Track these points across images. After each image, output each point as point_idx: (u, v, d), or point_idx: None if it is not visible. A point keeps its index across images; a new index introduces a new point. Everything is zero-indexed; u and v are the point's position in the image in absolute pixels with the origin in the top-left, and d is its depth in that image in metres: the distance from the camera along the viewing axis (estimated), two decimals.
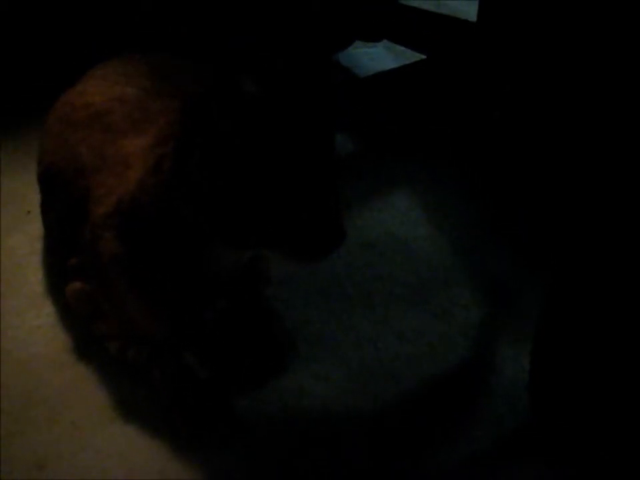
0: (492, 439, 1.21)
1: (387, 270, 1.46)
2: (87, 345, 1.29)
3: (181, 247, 1.07)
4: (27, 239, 1.51)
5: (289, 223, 0.99)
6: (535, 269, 1.46)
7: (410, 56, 1.98)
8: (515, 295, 1.45)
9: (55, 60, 1.83)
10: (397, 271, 1.46)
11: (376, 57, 2.07)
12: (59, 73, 1.65)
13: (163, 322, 1.16)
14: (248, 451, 1.17)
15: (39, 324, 1.34)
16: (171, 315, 1.15)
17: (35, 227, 1.50)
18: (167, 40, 1.81)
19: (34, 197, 1.45)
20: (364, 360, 1.30)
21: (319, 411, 1.23)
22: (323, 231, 1.00)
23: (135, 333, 1.19)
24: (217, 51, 1.90)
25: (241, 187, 0.97)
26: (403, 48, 2.02)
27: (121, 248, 1.11)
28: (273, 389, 1.24)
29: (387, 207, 1.61)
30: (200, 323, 1.18)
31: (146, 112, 1.24)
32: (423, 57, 1.89)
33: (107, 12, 1.79)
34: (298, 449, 1.18)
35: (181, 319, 1.16)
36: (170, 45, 1.78)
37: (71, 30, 1.80)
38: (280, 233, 1.00)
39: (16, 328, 1.33)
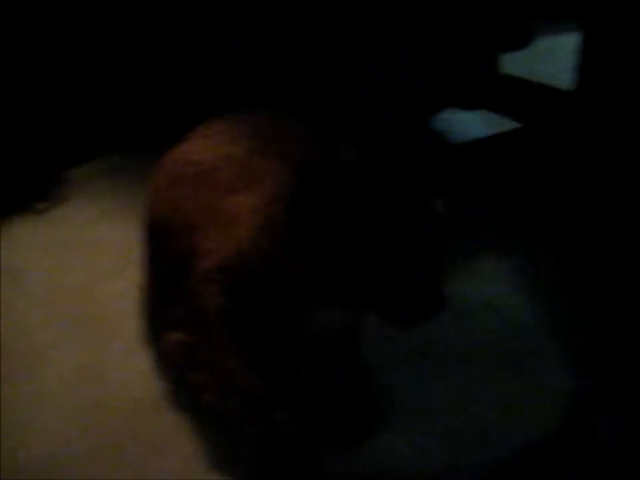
0: None
1: (479, 336, 1.45)
2: (180, 393, 1.32)
3: (284, 305, 1.09)
4: (128, 286, 1.55)
5: (390, 287, 1.00)
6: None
7: (505, 123, 1.98)
8: (608, 366, 1.41)
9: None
10: (489, 338, 1.45)
11: (470, 123, 2.08)
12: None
13: (260, 378, 1.17)
14: None
15: (137, 370, 1.39)
16: (268, 372, 1.16)
17: (135, 275, 1.56)
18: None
19: (135, 246, 1.51)
20: (454, 426, 1.29)
21: (405, 474, 1.22)
22: (424, 297, 1.01)
23: (230, 386, 1.21)
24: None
25: (346, 250, 0.99)
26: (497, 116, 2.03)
27: (225, 303, 1.13)
28: (362, 452, 1.24)
29: (479, 275, 1.60)
30: (295, 381, 1.19)
31: (252, 171, 1.28)
32: (519, 125, 1.89)
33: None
34: None
35: (278, 376, 1.17)
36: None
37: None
38: (381, 296, 1.01)
39: (116, 373, 1.39)
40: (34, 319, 1.49)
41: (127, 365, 1.40)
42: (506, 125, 1.96)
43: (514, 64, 1.96)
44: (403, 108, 1.68)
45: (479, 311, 1.51)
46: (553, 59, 2.27)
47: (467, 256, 1.66)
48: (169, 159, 1.43)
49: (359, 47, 1.74)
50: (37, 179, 1.82)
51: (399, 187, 1.11)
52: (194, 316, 1.22)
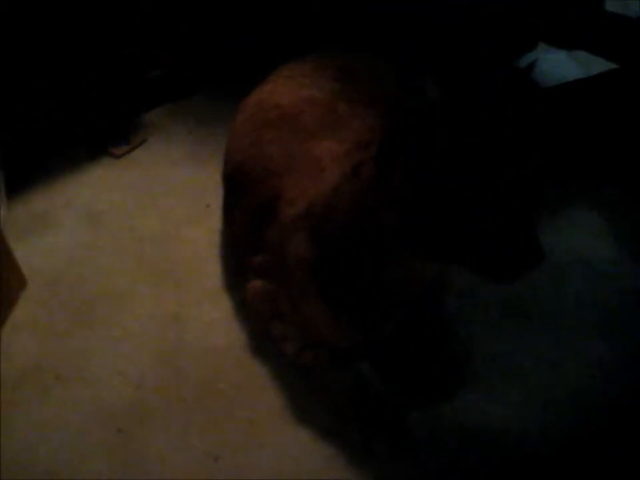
0: None
1: (572, 292, 1.39)
2: (263, 342, 1.31)
3: (371, 255, 1.05)
4: (206, 232, 1.56)
5: (485, 240, 0.95)
6: None
7: (596, 64, 1.86)
8: None
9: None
10: (582, 293, 1.39)
11: (558, 63, 1.97)
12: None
13: (345, 329, 1.15)
14: (416, 465, 1.15)
15: (217, 317, 1.38)
16: (354, 323, 1.13)
17: (213, 221, 1.55)
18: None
19: (213, 191, 1.49)
20: (544, 384, 1.25)
21: (492, 432, 1.19)
22: (520, 251, 0.95)
23: (314, 337, 1.19)
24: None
25: (438, 199, 0.94)
26: (586, 55, 1.91)
27: (311, 251, 1.10)
28: (448, 406, 1.21)
29: (571, 226, 1.53)
30: (381, 333, 1.16)
31: (336, 115, 1.23)
32: (612, 66, 1.77)
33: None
34: (467, 468, 1.15)
35: (364, 328, 1.14)
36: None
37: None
38: (476, 249, 0.95)
39: (195, 319, 1.38)
40: (114, 263, 1.49)
41: (206, 311, 1.39)
42: (596, 65, 1.86)
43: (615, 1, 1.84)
44: (490, 44, 1.59)
45: (571, 264, 1.44)
46: None
47: (559, 206, 1.58)
48: (251, 102, 1.40)
49: None
50: (115, 122, 1.82)
51: (490, 130, 1.05)
52: (278, 264, 1.19)
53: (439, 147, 0.95)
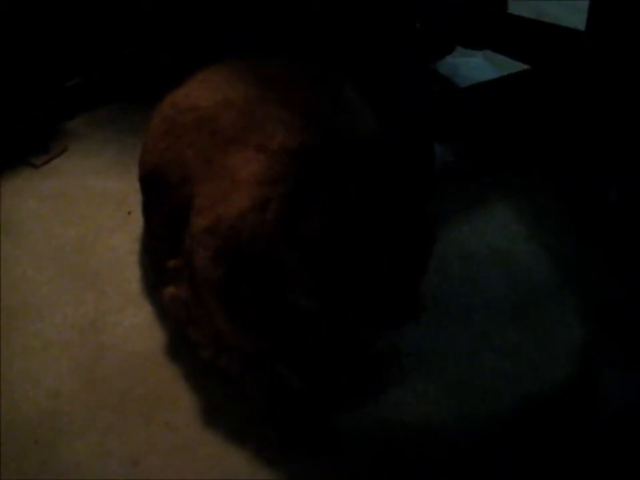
0: (591, 463, 1.15)
1: (487, 283, 1.42)
2: (181, 346, 1.31)
3: (274, 282, 1.04)
4: (128, 239, 1.54)
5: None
6: None
7: (510, 66, 1.92)
8: (621, 314, 1.37)
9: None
10: (496, 285, 1.42)
11: (475, 66, 2.02)
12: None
13: (250, 341, 1.14)
14: (339, 462, 1.15)
15: (136, 322, 1.37)
16: (258, 336, 1.13)
17: (135, 227, 1.53)
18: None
19: (135, 198, 1.48)
20: (462, 376, 1.27)
21: (415, 425, 1.20)
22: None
23: (225, 344, 1.19)
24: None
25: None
26: (502, 57, 1.96)
27: (214, 269, 1.09)
28: (371, 406, 1.22)
29: (485, 219, 1.56)
30: (293, 340, 1.16)
31: (252, 118, 1.23)
32: (525, 67, 1.83)
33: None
34: (391, 462, 1.16)
35: (272, 335, 1.13)
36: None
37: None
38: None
39: (115, 325, 1.37)
40: (33, 273, 1.47)
41: (127, 317, 1.38)
42: (510, 67, 1.91)
43: (522, 4, 1.89)
44: (407, 49, 1.62)
45: (488, 257, 1.47)
46: None
47: (473, 199, 1.62)
48: (166, 105, 1.38)
49: None
50: (34, 131, 1.79)
51: (401, 129, 1.08)
52: (189, 272, 1.18)
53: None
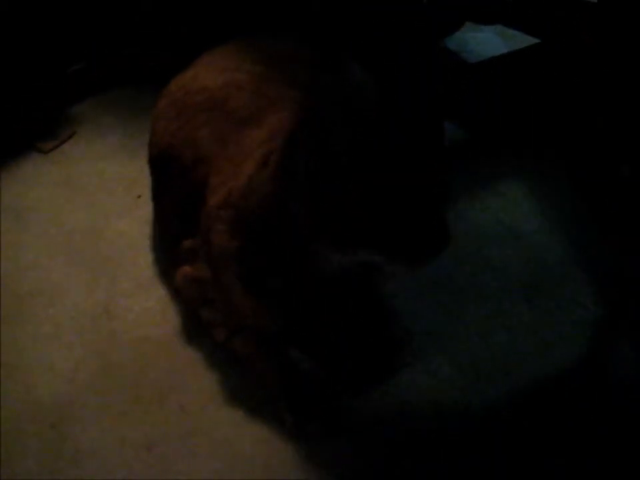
0: (604, 440, 1.15)
1: (499, 261, 1.41)
2: (195, 329, 1.30)
3: (289, 244, 1.04)
4: (137, 223, 1.54)
5: (394, 226, 0.96)
6: None
7: (521, 40, 1.89)
8: (633, 293, 1.36)
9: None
10: (508, 263, 1.40)
11: (485, 41, 1.99)
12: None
13: (268, 315, 1.15)
14: (352, 444, 1.15)
15: (149, 306, 1.37)
16: (276, 310, 1.13)
17: (145, 211, 1.53)
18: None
19: (144, 182, 1.47)
20: (474, 355, 1.26)
21: (427, 406, 1.20)
22: (427, 235, 0.97)
23: (242, 322, 1.19)
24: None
25: (348, 187, 0.95)
26: (513, 31, 1.93)
27: (231, 241, 1.09)
28: (384, 387, 1.22)
29: (497, 196, 1.54)
30: (309, 318, 1.16)
31: (265, 99, 1.22)
32: (536, 41, 1.80)
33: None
34: (403, 443, 1.16)
35: (287, 314, 1.14)
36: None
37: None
38: (385, 235, 0.96)
39: (127, 310, 1.36)
40: (44, 259, 1.47)
41: (139, 302, 1.38)
42: (521, 42, 1.88)
43: None
44: (414, 25, 1.60)
45: (499, 234, 1.46)
46: None
47: (483, 176, 1.60)
48: (174, 87, 1.38)
49: None
50: (41, 117, 1.78)
51: (409, 107, 1.06)
52: (204, 251, 1.18)
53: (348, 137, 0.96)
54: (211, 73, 1.34)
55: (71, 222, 1.55)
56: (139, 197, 1.59)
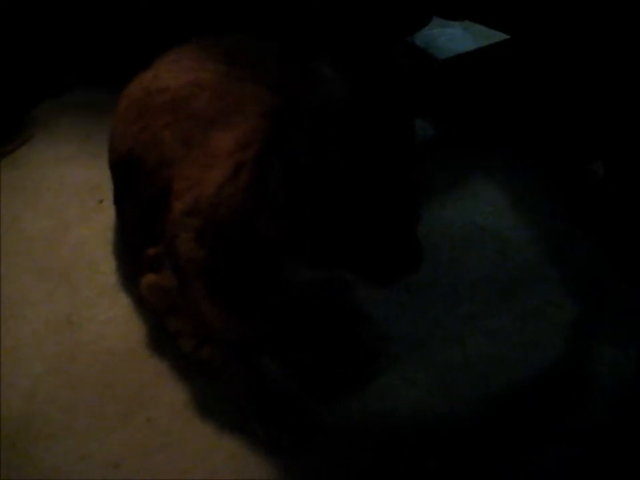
0: (585, 442, 1.13)
1: (473, 264, 1.38)
2: (160, 338, 1.26)
3: (257, 257, 1.01)
4: (99, 229, 1.48)
5: (365, 247, 0.93)
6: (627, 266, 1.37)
7: (490, 36, 1.87)
8: (610, 291, 1.35)
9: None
10: (483, 265, 1.38)
11: (453, 37, 1.97)
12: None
13: (235, 326, 1.11)
14: (326, 454, 1.12)
15: (112, 316, 1.32)
16: (243, 320, 1.09)
17: (107, 216, 1.48)
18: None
19: (106, 186, 1.42)
20: (451, 360, 1.23)
21: (403, 414, 1.17)
22: (399, 256, 0.94)
23: (209, 332, 1.15)
24: None
25: (320, 206, 0.92)
26: (481, 27, 1.91)
27: (198, 250, 1.05)
28: (361, 395, 1.19)
29: (470, 196, 1.52)
30: (279, 328, 1.12)
31: (229, 98, 1.18)
32: (505, 37, 1.79)
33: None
34: (380, 453, 1.13)
35: (255, 324, 1.10)
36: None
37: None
38: (355, 254, 0.93)
39: (90, 320, 1.31)
40: (2, 269, 1.41)
41: (102, 311, 1.33)
42: (490, 38, 1.87)
43: None
44: (381, 18, 1.58)
45: (473, 235, 1.44)
46: None
47: (455, 176, 1.57)
48: (135, 87, 1.33)
49: None
50: None
51: (377, 108, 1.03)
52: (170, 259, 1.14)
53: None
54: (173, 73, 1.30)
55: (29, 228, 1.49)
56: (101, 201, 1.54)
